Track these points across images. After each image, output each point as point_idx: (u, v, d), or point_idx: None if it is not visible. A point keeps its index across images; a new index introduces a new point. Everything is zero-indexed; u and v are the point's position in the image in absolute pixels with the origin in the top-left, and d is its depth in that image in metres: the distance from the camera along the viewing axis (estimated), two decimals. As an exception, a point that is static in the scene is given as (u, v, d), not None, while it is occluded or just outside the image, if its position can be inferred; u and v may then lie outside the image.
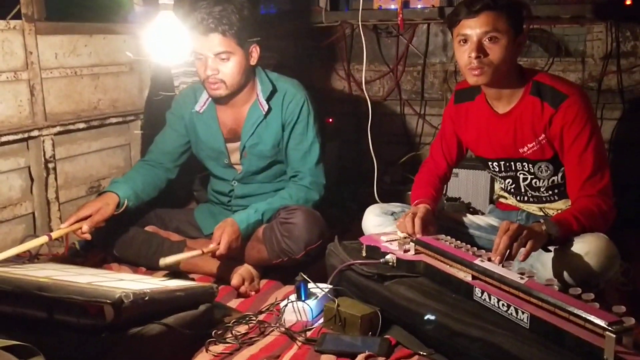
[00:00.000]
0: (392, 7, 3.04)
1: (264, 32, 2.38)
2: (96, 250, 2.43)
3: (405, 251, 1.90)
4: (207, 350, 1.70)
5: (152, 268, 2.28)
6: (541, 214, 2.12)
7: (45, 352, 1.34)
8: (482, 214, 2.43)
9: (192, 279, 2.19)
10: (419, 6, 3.03)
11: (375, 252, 1.93)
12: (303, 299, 1.89)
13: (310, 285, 1.92)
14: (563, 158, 1.96)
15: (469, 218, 2.25)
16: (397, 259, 1.87)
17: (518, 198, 2.17)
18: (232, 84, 2.26)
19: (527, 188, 2.11)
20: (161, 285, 1.79)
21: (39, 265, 2.05)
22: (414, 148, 3.52)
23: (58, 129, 2.59)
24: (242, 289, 2.12)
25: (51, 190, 2.58)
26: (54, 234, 2.10)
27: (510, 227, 1.70)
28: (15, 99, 2.46)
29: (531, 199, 2.13)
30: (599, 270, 1.74)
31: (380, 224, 2.17)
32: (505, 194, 2.23)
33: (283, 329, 1.81)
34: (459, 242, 1.86)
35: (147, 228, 2.40)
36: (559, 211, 2.02)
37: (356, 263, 1.91)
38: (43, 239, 2.05)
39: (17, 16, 2.45)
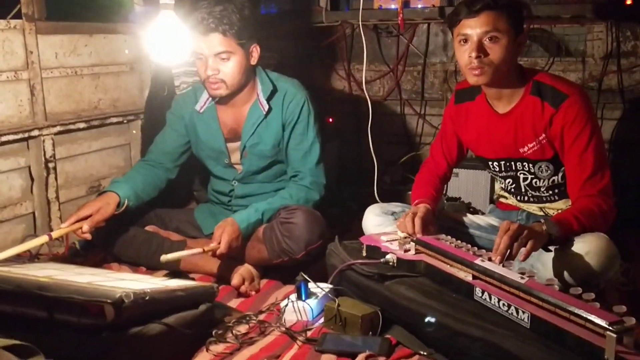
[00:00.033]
0: (393, 6, 3.04)
1: (265, 31, 2.38)
2: (96, 250, 2.42)
3: (406, 251, 1.90)
4: (207, 350, 1.70)
5: (152, 268, 2.29)
6: (541, 213, 2.12)
7: (45, 352, 1.35)
8: (483, 213, 2.43)
9: (193, 279, 2.19)
10: (419, 6, 3.03)
11: (375, 252, 1.93)
12: (303, 298, 1.89)
13: (311, 285, 1.92)
14: (563, 158, 1.96)
15: (469, 218, 2.25)
16: (398, 258, 1.87)
17: (518, 198, 2.17)
18: (233, 84, 2.26)
19: (527, 188, 2.11)
20: (161, 285, 1.79)
21: (40, 265, 2.05)
22: (414, 148, 3.52)
23: (58, 128, 2.59)
24: (243, 288, 2.12)
25: (51, 190, 2.58)
26: (54, 234, 2.10)
27: (510, 227, 1.70)
28: (15, 98, 2.46)
29: (531, 199, 2.13)
30: (600, 270, 1.74)
31: (381, 223, 2.17)
32: (506, 194, 2.23)
33: (283, 329, 1.81)
34: (459, 241, 1.86)
35: (147, 228, 2.40)
36: (559, 211, 2.02)
37: (357, 263, 1.91)
38: (43, 238, 2.05)
39: (18, 16, 2.44)
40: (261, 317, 1.90)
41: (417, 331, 1.70)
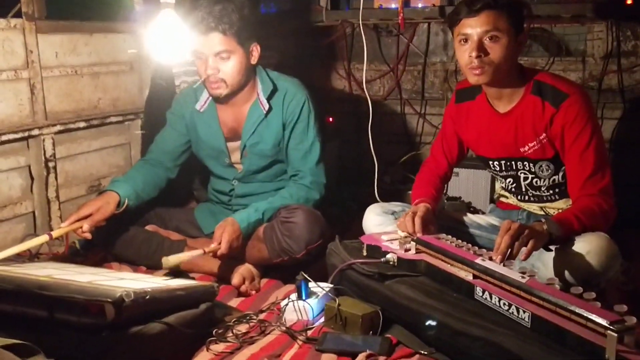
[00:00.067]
0: (393, 6, 3.04)
1: (265, 31, 2.38)
2: (96, 249, 2.42)
3: (406, 250, 1.90)
4: (207, 349, 1.70)
5: (152, 267, 2.28)
6: (542, 213, 2.11)
7: (45, 351, 1.34)
8: (483, 213, 2.43)
9: (193, 278, 2.18)
10: (420, 5, 3.03)
11: (376, 251, 1.93)
12: (304, 298, 1.89)
13: (311, 284, 1.92)
14: (564, 157, 1.96)
15: (470, 217, 2.25)
16: (398, 258, 1.87)
17: (519, 197, 2.17)
18: (233, 83, 2.26)
19: (527, 187, 2.10)
20: (162, 284, 1.79)
21: (40, 264, 2.05)
22: (414, 147, 3.52)
23: (58, 127, 2.59)
24: (243, 288, 2.12)
25: (51, 189, 2.58)
26: (55, 233, 2.10)
27: (511, 226, 1.69)
28: (15, 97, 2.45)
29: (532, 199, 2.13)
30: (600, 270, 1.74)
31: (381, 223, 2.17)
32: (506, 193, 2.23)
33: (284, 328, 1.81)
34: (459, 241, 1.86)
35: (147, 227, 2.40)
36: (560, 210, 2.02)
37: (357, 262, 1.91)
38: (43, 237, 2.05)
39: (18, 15, 2.44)
40: (261, 316, 1.90)
41: (417, 331, 1.70)
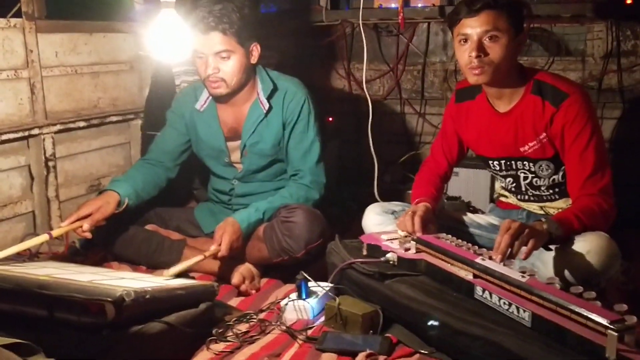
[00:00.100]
0: (393, 5, 3.04)
1: (265, 30, 2.38)
2: (96, 248, 2.42)
3: (406, 250, 1.90)
4: (208, 349, 1.69)
5: (152, 267, 2.28)
6: (542, 212, 2.11)
7: (46, 350, 1.35)
8: (483, 212, 2.43)
9: (193, 278, 2.18)
10: (420, 5, 3.03)
11: (376, 250, 1.93)
12: (304, 297, 1.89)
13: (311, 283, 1.92)
14: (564, 157, 1.96)
15: (470, 217, 2.25)
16: (398, 257, 1.87)
17: (519, 197, 2.17)
18: (233, 83, 2.26)
19: (527, 187, 2.10)
20: (162, 283, 1.79)
21: (39, 264, 2.05)
22: (414, 147, 3.52)
23: (58, 127, 2.59)
24: (243, 287, 2.12)
25: (51, 188, 2.58)
26: (55, 233, 2.10)
27: (511, 225, 1.69)
28: (15, 97, 2.45)
29: (532, 198, 2.13)
30: (600, 269, 1.75)
31: (381, 222, 2.17)
32: (506, 193, 2.23)
33: (284, 328, 1.80)
34: (459, 240, 1.86)
35: (147, 227, 2.39)
36: (560, 210, 2.02)
37: (357, 261, 1.91)
38: (43, 237, 2.05)
39: (18, 14, 2.44)
40: (261, 315, 1.90)
41: (417, 330, 1.70)
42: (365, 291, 1.86)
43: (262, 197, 2.34)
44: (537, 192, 2.10)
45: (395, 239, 1.97)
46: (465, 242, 1.83)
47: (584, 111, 1.91)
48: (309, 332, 1.78)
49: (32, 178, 2.55)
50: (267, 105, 2.32)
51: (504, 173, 2.14)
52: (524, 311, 1.50)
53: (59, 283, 1.56)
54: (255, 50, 2.30)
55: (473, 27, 1.89)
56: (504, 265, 1.65)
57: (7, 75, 2.40)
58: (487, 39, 1.88)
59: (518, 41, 1.94)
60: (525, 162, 2.05)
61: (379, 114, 3.27)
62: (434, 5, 2.99)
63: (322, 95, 3.42)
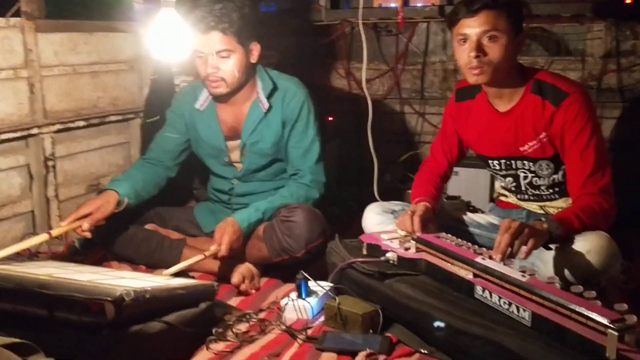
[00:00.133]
0: (393, 5, 3.05)
1: (264, 30, 2.37)
2: (96, 248, 2.42)
3: (406, 249, 1.90)
4: (207, 348, 1.69)
5: (151, 266, 2.28)
6: (542, 212, 2.11)
7: (45, 350, 1.34)
8: (483, 212, 2.43)
9: (193, 277, 2.18)
10: (419, 4, 3.04)
11: (376, 250, 1.93)
12: (304, 297, 1.89)
13: (311, 283, 1.92)
14: (564, 156, 1.96)
15: (469, 216, 2.25)
16: (398, 257, 1.87)
17: (519, 196, 2.17)
18: (233, 82, 2.26)
19: (527, 186, 2.10)
20: (162, 283, 1.79)
21: (39, 263, 2.05)
22: (414, 147, 3.52)
23: (58, 126, 2.59)
24: (243, 287, 2.12)
25: (51, 188, 2.58)
26: (54, 232, 2.10)
27: (512, 225, 1.69)
28: (15, 96, 2.45)
29: (532, 198, 2.13)
30: (601, 268, 1.74)
31: (381, 222, 2.17)
32: (506, 192, 2.23)
33: (284, 327, 1.80)
34: (459, 240, 1.86)
35: (147, 226, 2.39)
36: (560, 209, 2.02)
37: (357, 261, 1.91)
38: (43, 236, 2.05)
39: (17, 14, 2.44)
40: (261, 315, 1.90)
41: (417, 329, 1.70)
42: (365, 291, 1.86)
43: (262, 196, 2.34)
44: (537, 192, 2.10)
45: (395, 238, 1.97)
46: (465, 242, 1.84)
47: (584, 110, 1.91)
48: (309, 331, 1.78)
49: (31, 178, 2.54)
50: (267, 105, 2.32)
51: (504, 172, 2.13)
52: (524, 310, 1.50)
53: (58, 282, 1.56)
54: (255, 49, 2.29)
55: (472, 27, 1.88)
56: (504, 264, 1.65)
57: (7, 75, 2.40)
58: (486, 39, 1.88)
59: (517, 41, 1.94)
60: (525, 162, 2.05)
61: (379, 113, 3.27)
62: (433, 4, 3.00)
63: (322, 94, 3.42)
